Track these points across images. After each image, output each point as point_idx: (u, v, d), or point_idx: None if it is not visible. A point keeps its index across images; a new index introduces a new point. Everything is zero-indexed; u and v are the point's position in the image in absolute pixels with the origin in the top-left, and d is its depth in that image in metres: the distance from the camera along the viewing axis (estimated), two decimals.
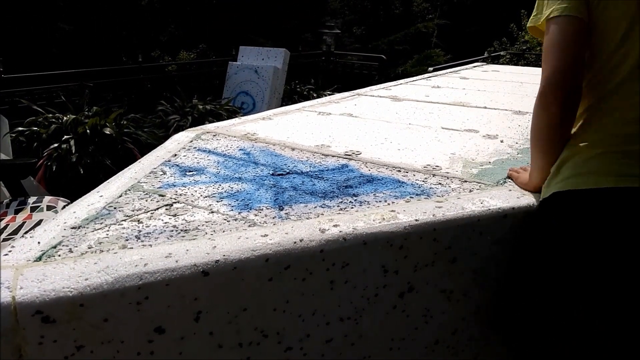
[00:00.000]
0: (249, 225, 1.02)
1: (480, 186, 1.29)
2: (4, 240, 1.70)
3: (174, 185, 1.25)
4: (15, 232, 1.78)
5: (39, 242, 0.93)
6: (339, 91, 5.14)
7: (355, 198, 1.18)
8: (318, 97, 5.94)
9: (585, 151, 1.02)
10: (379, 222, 1.02)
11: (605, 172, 0.96)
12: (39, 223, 1.80)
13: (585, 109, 1.07)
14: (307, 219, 1.05)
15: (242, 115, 3.39)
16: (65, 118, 4.22)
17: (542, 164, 1.14)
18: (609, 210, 0.94)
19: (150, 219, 1.04)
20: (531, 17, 1.14)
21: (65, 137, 3.95)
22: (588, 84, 1.06)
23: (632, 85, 0.99)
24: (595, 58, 1.04)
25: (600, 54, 1.03)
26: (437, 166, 1.43)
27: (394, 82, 3.39)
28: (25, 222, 1.85)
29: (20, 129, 4.15)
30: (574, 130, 1.09)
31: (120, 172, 1.36)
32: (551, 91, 1.02)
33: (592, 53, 1.04)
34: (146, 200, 1.14)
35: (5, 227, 1.81)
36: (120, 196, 1.16)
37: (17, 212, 1.94)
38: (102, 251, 0.90)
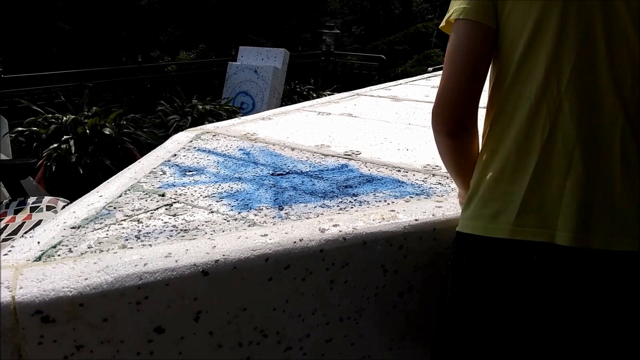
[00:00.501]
0: (249, 225, 1.02)
1: None
2: (4, 240, 1.70)
3: (174, 185, 1.25)
4: (15, 232, 1.77)
5: (38, 242, 0.93)
6: (339, 91, 5.15)
7: (355, 198, 1.18)
8: (318, 97, 5.94)
9: (491, 182, 0.86)
10: (379, 222, 1.02)
11: (505, 221, 0.82)
12: (38, 223, 1.80)
13: (491, 122, 0.90)
14: (307, 218, 1.05)
15: (241, 115, 3.39)
16: (64, 118, 4.21)
17: (458, 183, 1.05)
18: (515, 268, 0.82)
19: (150, 219, 1.04)
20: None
21: (65, 137, 3.94)
22: (497, 97, 0.88)
23: (536, 106, 0.81)
24: (502, 71, 0.86)
25: (506, 67, 0.85)
26: (437, 166, 1.43)
27: (394, 82, 3.40)
28: (24, 222, 1.85)
29: (19, 129, 4.15)
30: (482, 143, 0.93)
31: (120, 172, 1.36)
32: (440, 114, 0.89)
33: (500, 65, 0.87)
34: (146, 200, 1.14)
35: (4, 227, 1.81)
36: (120, 196, 1.16)
37: (16, 212, 1.94)
38: (102, 251, 0.90)
